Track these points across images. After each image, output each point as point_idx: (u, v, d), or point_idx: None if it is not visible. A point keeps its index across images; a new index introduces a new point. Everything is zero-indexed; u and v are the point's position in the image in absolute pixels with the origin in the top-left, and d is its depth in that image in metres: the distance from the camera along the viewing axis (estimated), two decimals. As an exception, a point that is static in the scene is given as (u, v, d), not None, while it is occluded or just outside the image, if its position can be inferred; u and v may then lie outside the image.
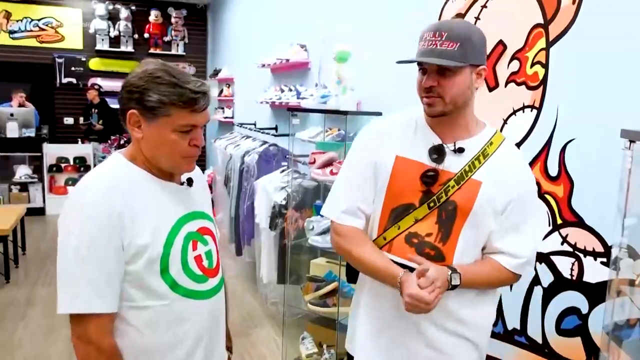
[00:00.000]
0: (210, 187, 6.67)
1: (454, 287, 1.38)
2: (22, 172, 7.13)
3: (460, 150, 1.43)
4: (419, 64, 1.43)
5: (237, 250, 4.57)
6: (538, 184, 1.94)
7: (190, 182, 1.41)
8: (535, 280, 1.97)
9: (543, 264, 1.93)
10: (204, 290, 1.36)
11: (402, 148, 1.48)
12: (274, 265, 3.69)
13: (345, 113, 2.85)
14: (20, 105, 7.25)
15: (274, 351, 3.46)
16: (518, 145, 2.04)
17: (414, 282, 1.34)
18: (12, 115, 6.95)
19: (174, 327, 1.31)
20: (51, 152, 7.39)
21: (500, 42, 2.13)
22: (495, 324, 2.15)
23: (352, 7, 3.48)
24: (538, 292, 1.96)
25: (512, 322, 2.07)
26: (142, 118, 1.25)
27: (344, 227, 1.52)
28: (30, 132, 7.00)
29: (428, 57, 1.37)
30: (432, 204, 1.43)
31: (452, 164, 1.43)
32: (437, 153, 1.44)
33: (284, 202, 3.45)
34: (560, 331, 1.87)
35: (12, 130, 6.83)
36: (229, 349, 1.63)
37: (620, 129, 1.38)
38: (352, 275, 1.64)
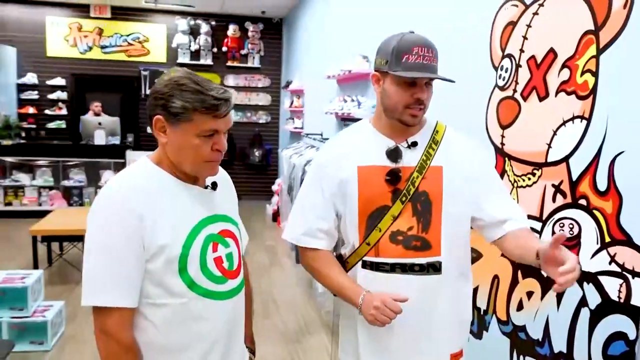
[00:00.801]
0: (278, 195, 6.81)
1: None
2: (107, 176, 7.62)
3: (414, 145, 1.57)
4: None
5: (297, 258, 4.63)
6: (587, 198, 1.84)
7: (214, 185, 1.45)
8: (582, 302, 1.85)
9: (590, 284, 1.82)
10: (223, 291, 1.39)
11: (361, 158, 1.57)
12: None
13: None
14: (96, 115, 7.75)
15: (324, 359, 3.47)
16: (566, 158, 1.94)
17: (383, 294, 1.47)
18: (100, 124, 7.46)
19: (191, 326, 1.35)
20: (133, 158, 7.81)
21: (551, 49, 2.04)
22: (541, 345, 2.05)
23: (407, 18, 3.46)
24: (585, 314, 1.85)
25: (559, 344, 1.96)
26: (167, 123, 1.31)
27: (308, 249, 1.64)
28: (116, 140, 7.47)
29: (432, 73, 1.50)
30: (403, 198, 1.53)
31: (410, 159, 1.56)
32: (394, 153, 1.55)
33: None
34: (607, 357, 1.75)
35: (100, 138, 7.33)
36: (252, 350, 1.67)
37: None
38: None
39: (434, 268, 1.54)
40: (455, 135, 1.65)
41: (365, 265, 1.57)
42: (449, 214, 1.54)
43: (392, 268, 1.53)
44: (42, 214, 5.33)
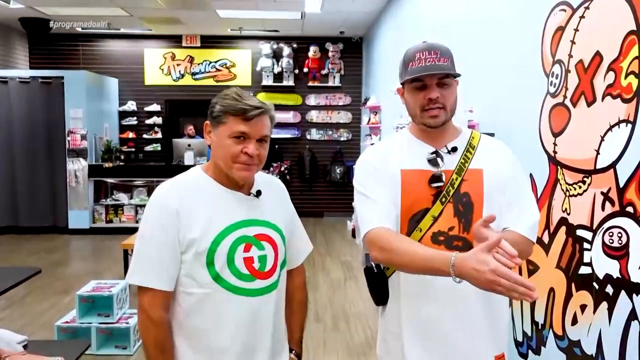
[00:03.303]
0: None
1: None
2: (197, 195, 8.09)
3: (454, 150, 1.61)
4: (418, 80, 1.55)
5: (367, 273, 4.66)
6: (634, 205, 1.76)
7: (258, 193, 1.59)
8: (632, 314, 1.76)
9: None
10: (248, 289, 1.52)
11: (404, 162, 1.60)
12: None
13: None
14: (190, 137, 8.27)
15: (388, 374, 3.46)
16: (614, 164, 1.87)
17: (484, 256, 1.26)
18: (189, 145, 7.97)
19: (214, 315, 1.50)
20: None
21: (597, 53, 1.98)
22: (595, 361, 1.96)
23: (469, 29, 3.45)
24: (635, 328, 1.75)
25: (611, 360, 1.86)
26: (211, 127, 1.54)
27: (381, 229, 1.51)
28: (203, 160, 7.92)
29: (438, 71, 1.53)
30: (443, 199, 1.56)
31: (450, 163, 1.60)
32: (435, 158, 1.59)
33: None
34: (657, 373, 1.65)
35: (189, 159, 7.82)
36: (297, 354, 1.76)
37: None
38: (382, 297, 1.68)
39: None
40: (490, 140, 1.70)
41: None
42: (489, 214, 1.50)
43: None
44: (137, 231, 5.78)
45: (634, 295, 1.75)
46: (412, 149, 1.63)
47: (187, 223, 1.47)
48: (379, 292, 1.68)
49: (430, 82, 1.55)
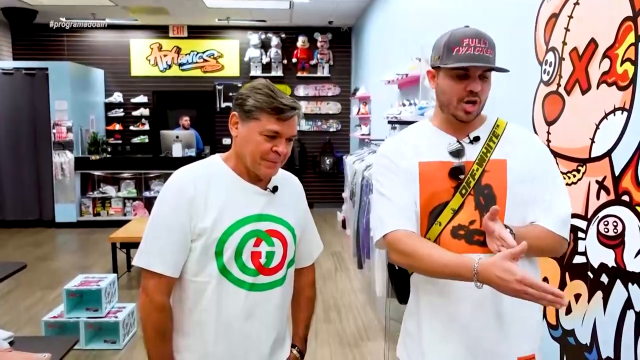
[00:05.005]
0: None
1: None
2: (185, 187, 8.01)
3: (477, 139, 1.52)
4: (462, 69, 1.44)
5: (359, 264, 4.64)
6: (629, 193, 1.74)
7: (275, 189, 1.57)
8: (628, 304, 1.75)
9: (635, 285, 1.71)
10: (248, 283, 1.50)
11: (422, 154, 1.52)
12: (386, 279, 3.68)
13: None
14: (185, 128, 8.19)
15: (380, 365, 3.46)
16: (609, 152, 1.85)
17: (508, 265, 1.24)
18: (177, 137, 7.88)
19: (215, 304, 1.49)
20: (209, 169, 8.18)
21: (592, 40, 1.95)
22: (589, 350, 1.95)
23: (459, 17, 3.41)
24: (630, 317, 1.74)
25: (606, 350, 1.85)
26: (240, 119, 1.49)
27: (400, 232, 1.46)
28: (192, 152, 7.85)
29: (486, 63, 1.44)
30: (463, 191, 1.47)
31: (472, 153, 1.51)
32: (457, 149, 1.50)
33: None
34: (653, 363, 1.64)
35: (177, 151, 7.73)
36: (300, 351, 1.73)
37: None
38: (404, 295, 1.63)
39: None
40: (517, 129, 1.59)
41: None
42: (513, 207, 1.47)
43: None
44: (126, 223, 5.74)
45: (630, 284, 1.73)
46: (432, 140, 1.54)
47: (201, 211, 1.46)
48: (400, 290, 1.63)
49: (474, 74, 1.44)
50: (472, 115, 1.48)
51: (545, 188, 1.49)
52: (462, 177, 1.47)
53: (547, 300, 1.20)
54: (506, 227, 1.38)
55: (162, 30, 9.20)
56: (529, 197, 1.48)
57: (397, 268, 1.63)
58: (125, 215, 7.86)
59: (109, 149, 8.38)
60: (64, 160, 7.76)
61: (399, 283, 1.63)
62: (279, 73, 9.29)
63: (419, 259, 1.41)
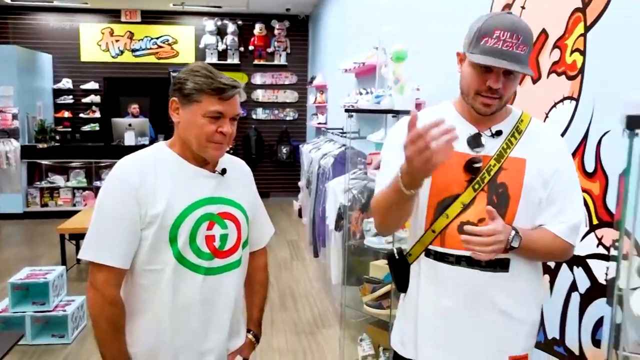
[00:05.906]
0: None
1: (512, 248, 1.36)
2: (139, 177, 7.82)
3: (499, 133, 1.46)
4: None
5: (315, 252, 4.65)
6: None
7: (223, 171, 1.55)
8: (573, 286, 1.80)
9: (580, 268, 1.77)
10: (204, 267, 1.49)
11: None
12: (341, 267, 3.70)
13: (389, 112, 2.82)
14: (134, 116, 7.97)
15: (336, 352, 3.48)
16: (557, 139, 1.89)
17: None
18: (130, 125, 7.67)
19: (171, 292, 1.46)
20: (163, 158, 8.00)
21: (543, 31, 2.00)
22: (537, 333, 2.00)
23: (406, 8, 3.43)
24: (575, 298, 1.80)
25: (552, 331, 1.92)
26: (180, 105, 1.45)
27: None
28: (145, 141, 7.65)
29: (511, 62, 1.33)
30: (476, 186, 1.43)
31: (491, 148, 1.45)
32: (476, 141, 1.46)
33: (348, 204, 3.46)
34: (596, 342, 1.70)
35: (130, 139, 7.53)
36: (255, 335, 1.73)
37: None
38: (403, 283, 1.59)
39: (502, 265, 1.43)
40: (541, 126, 1.53)
41: (429, 254, 1.48)
42: (525, 210, 1.43)
43: (458, 260, 1.43)
44: (75, 214, 5.55)
45: (575, 267, 1.79)
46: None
47: (150, 199, 1.43)
48: (400, 278, 1.59)
49: (497, 69, 1.36)
50: (492, 109, 1.41)
51: (560, 192, 1.44)
52: (478, 167, 1.42)
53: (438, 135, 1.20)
54: (513, 228, 1.36)
55: (113, 15, 8.90)
56: (543, 199, 1.44)
57: (397, 257, 1.60)
58: (75, 205, 7.61)
59: (58, 137, 8.06)
60: (9, 148, 7.42)
61: (399, 272, 1.59)
62: (236, 60, 9.15)
63: (374, 203, 1.48)
